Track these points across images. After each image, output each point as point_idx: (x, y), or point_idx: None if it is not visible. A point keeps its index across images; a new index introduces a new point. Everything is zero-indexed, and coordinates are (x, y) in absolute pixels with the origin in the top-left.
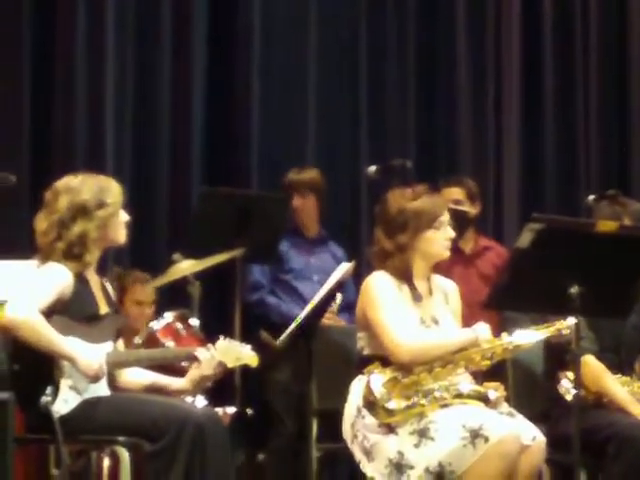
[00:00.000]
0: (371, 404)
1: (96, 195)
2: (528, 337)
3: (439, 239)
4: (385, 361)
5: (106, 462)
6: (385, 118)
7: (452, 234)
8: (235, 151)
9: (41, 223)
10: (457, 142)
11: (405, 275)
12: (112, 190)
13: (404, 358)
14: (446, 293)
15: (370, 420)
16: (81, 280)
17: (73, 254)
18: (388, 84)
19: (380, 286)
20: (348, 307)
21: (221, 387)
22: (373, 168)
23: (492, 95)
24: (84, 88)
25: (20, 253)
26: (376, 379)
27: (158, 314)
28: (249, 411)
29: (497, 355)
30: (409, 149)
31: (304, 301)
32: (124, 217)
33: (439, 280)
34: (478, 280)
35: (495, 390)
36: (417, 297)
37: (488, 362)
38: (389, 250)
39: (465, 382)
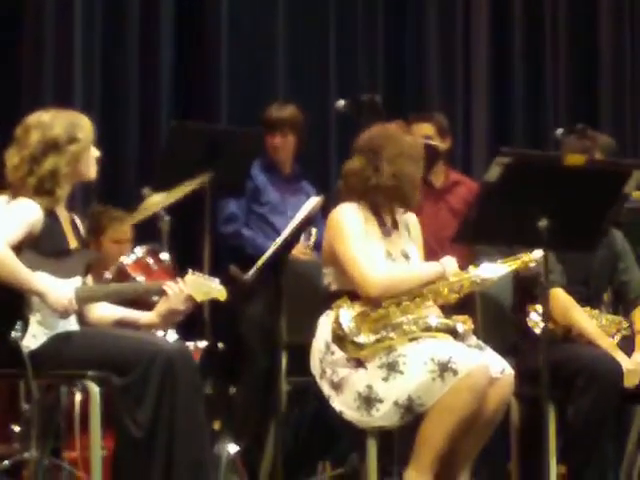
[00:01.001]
0: (340, 338)
1: (67, 130)
2: (495, 270)
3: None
4: (353, 296)
5: (77, 397)
6: (354, 52)
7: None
8: (204, 85)
9: (12, 158)
10: (425, 77)
11: (377, 209)
12: (83, 125)
13: (373, 292)
14: (407, 225)
15: (339, 355)
16: (51, 215)
17: (44, 189)
18: (358, 17)
19: (349, 218)
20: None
21: (192, 321)
22: (342, 102)
23: (461, 29)
24: (52, 24)
25: None
26: (345, 314)
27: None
28: (220, 345)
29: (465, 288)
30: (377, 84)
31: (278, 235)
32: (95, 153)
33: (401, 213)
34: (448, 214)
35: (463, 323)
36: (386, 231)
37: (456, 295)
38: (386, 184)
39: (433, 315)
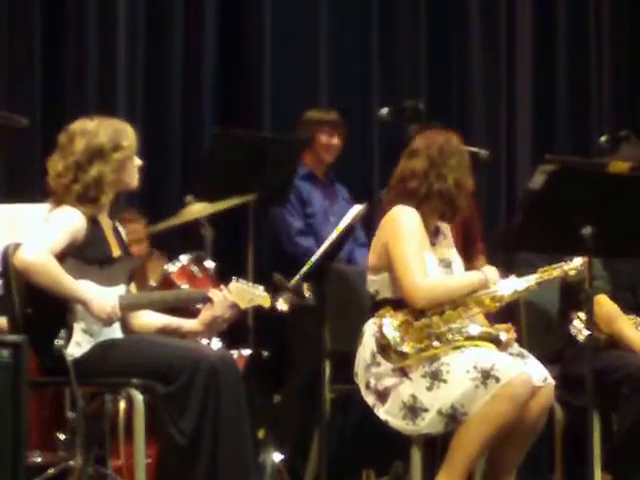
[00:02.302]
0: (384, 348)
1: (112, 138)
2: (534, 280)
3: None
4: (397, 304)
5: (121, 405)
6: (397, 57)
7: None
8: (248, 92)
9: (56, 165)
10: (469, 84)
11: (430, 215)
12: (127, 134)
13: (419, 300)
14: (446, 233)
15: (384, 365)
16: (94, 223)
17: (88, 197)
18: (400, 23)
19: (408, 221)
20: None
21: (237, 329)
22: (385, 110)
23: (505, 34)
24: (96, 30)
25: (32, 196)
26: (388, 323)
27: (173, 257)
28: (265, 353)
29: (506, 297)
30: (421, 89)
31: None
32: (137, 162)
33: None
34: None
35: (506, 332)
36: (433, 239)
37: (498, 304)
38: (436, 188)
39: (476, 324)
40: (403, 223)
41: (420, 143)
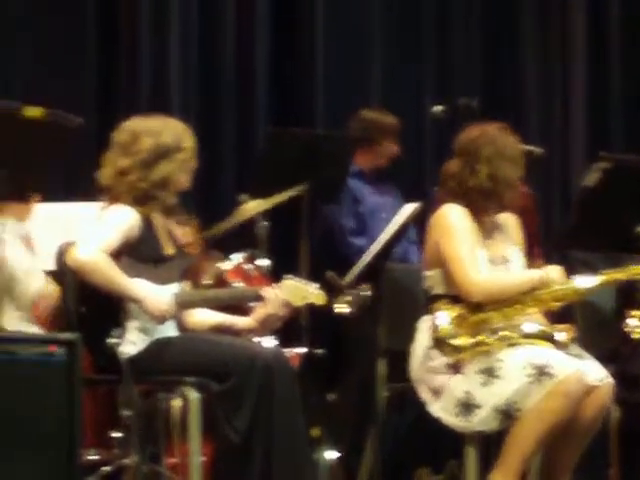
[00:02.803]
0: (438, 341)
1: (176, 138)
2: (598, 281)
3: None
4: (454, 299)
5: (175, 402)
6: (450, 56)
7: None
8: (300, 90)
9: (118, 163)
10: (523, 82)
11: (481, 212)
12: (188, 135)
13: (475, 295)
14: (507, 228)
15: (438, 361)
16: (147, 222)
17: (152, 195)
18: (453, 21)
19: (456, 218)
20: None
21: (292, 327)
22: (439, 107)
23: (558, 32)
24: (148, 28)
25: (86, 195)
26: (444, 316)
27: (227, 256)
28: (319, 351)
29: (568, 297)
30: (475, 88)
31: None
32: (193, 163)
33: (501, 216)
34: None
35: (564, 332)
36: (486, 235)
37: (557, 303)
38: (481, 185)
39: (533, 322)
40: (451, 221)
41: (458, 140)
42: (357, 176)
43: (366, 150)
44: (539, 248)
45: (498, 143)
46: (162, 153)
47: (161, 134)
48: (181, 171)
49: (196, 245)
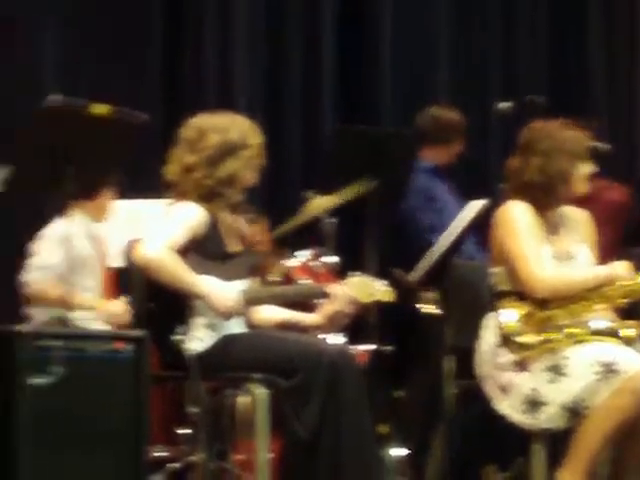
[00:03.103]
0: (505, 339)
1: (242, 136)
2: None
3: (584, 172)
4: (520, 296)
5: (242, 399)
6: (516, 52)
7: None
8: (367, 88)
9: (185, 159)
10: (590, 78)
11: (544, 208)
12: (255, 132)
13: (540, 292)
14: (577, 224)
15: (504, 358)
16: (214, 219)
17: (218, 192)
18: (520, 17)
19: (519, 215)
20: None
21: (360, 324)
22: (505, 104)
23: (626, 28)
24: (214, 25)
25: (152, 192)
26: (510, 314)
27: (294, 253)
28: (387, 348)
29: (635, 293)
30: (541, 85)
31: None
32: (262, 160)
33: (569, 211)
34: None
35: (633, 328)
36: (550, 231)
37: (624, 300)
38: (537, 181)
39: (600, 319)
40: (514, 218)
41: (520, 135)
42: (432, 173)
43: (434, 147)
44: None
45: (557, 137)
46: (228, 150)
47: (228, 131)
48: (247, 168)
49: (263, 242)
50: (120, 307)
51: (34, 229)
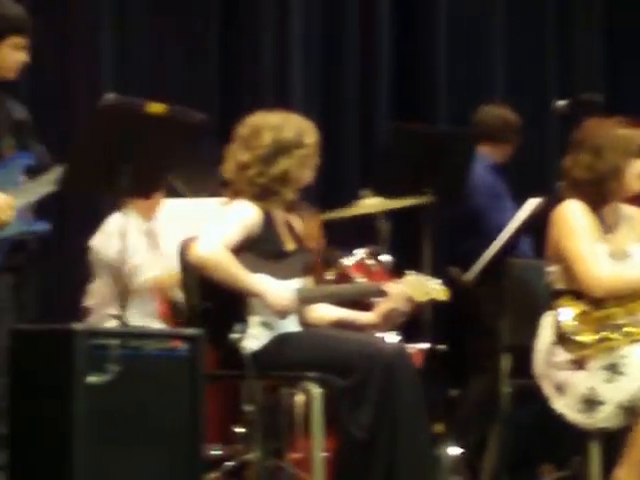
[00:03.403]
0: (562, 337)
1: (297, 134)
2: None
3: (638, 170)
4: (576, 295)
5: (298, 398)
6: (573, 51)
7: None
8: (423, 86)
9: (239, 157)
10: None
11: (598, 206)
12: (310, 131)
13: (598, 290)
14: (635, 222)
15: (561, 357)
16: (268, 217)
17: (272, 191)
18: (576, 14)
19: (575, 214)
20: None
21: (414, 323)
22: (562, 102)
23: None
24: (271, 25)
25: (209, 190)
26: (567, 312)
27: (350, 251)
28: (442, 347)
29: None
30: (598, 83)
31: None
32: (316, 159)
33: (627, 210)
34: None
35: None
36: (606, 229)
37: None
38: (586, 178)
39: None
40: (569, 217)
41: (574, 134)
42: (494, 171)
43: (491, 146)
44: None
45: (608, 135)
46: (282, 148)
47: (282, 129)
48: (301, 167)
49: (318, 241)
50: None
51: (89, 227)
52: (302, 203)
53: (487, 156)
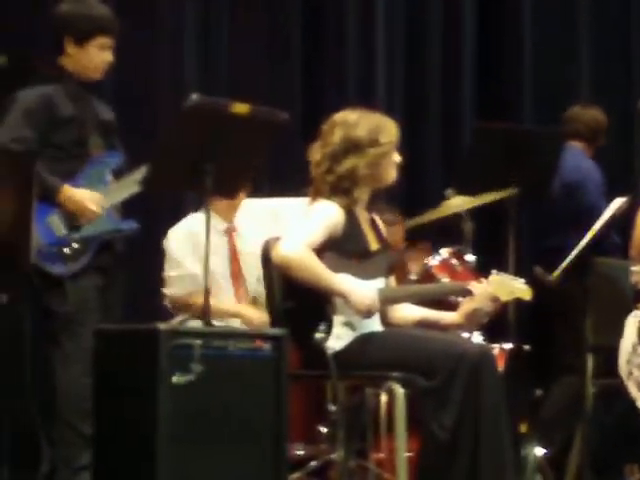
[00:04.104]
0: None
1: (371, 132)
2: None
3: None
4: None
5: (382, 398)
6: None
7: None
8: (506, 85)
9: (315, 154)
10: None
11: None
12: (388, 129)
13: None
14: None
15: None
16: (351, 216)
17: (341, 188)
18: None
19: None
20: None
21: (498, 323)
22: None
23: None
24: (355, 25)
25: (293, 190)
26: None
27: (434, 251)
28: (526, 347)
29: None
30: None
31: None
32: (396, 158)
33: None
34: None
35: None
36: None
37: None
38: None
39: None
40: None
41: None
42: (595, 168)
43: (582, 145)
44: None
45: None
46: (352, 146)
47: (355, 127)
48: (374, 166)
49: (402, 240)
50: (258, 315)
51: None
52: (384, 207)
53: (582, 154)
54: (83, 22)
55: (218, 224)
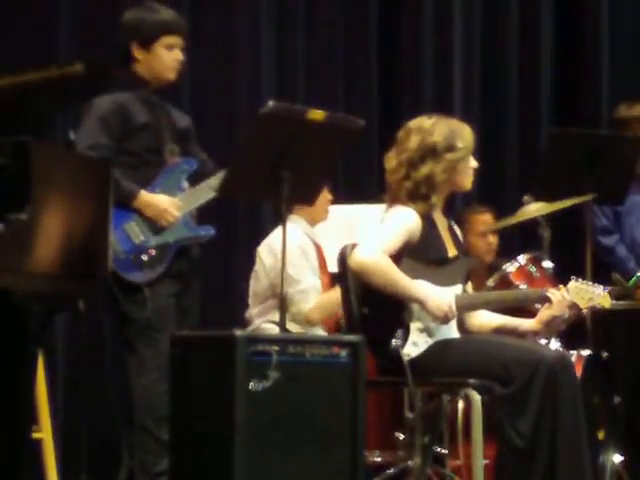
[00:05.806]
0: None
1: (447, 138)
2: None
3: None
4: None
5: (459, 405)
6: None
7: None
8: (585, 90)
9: (391, 161)
10: None
11: None
12: (464, 135)
13: None
14: None
15: None
16: (429, 222)
17: (419, 194)
18: None
19: None
20: None
21: (575, 329)
22: None
23: None
24: (431, 36)
25: (369, 196)
26: None
27: (512, 257)
28: (604, 354)
29: None
30: None
31: None
32: (473, 163)
33: None
34: None
35: None
36: None
37: None
38: None
39: None
40: None
41: None
42: None
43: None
44: None
45: None
46: (428, 152)
47: (432, 133)
48: (451, 171)
49: (492, 236)
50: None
51: (252, 233)
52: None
53: None
54: (146, 25)
55: (307, 229)
